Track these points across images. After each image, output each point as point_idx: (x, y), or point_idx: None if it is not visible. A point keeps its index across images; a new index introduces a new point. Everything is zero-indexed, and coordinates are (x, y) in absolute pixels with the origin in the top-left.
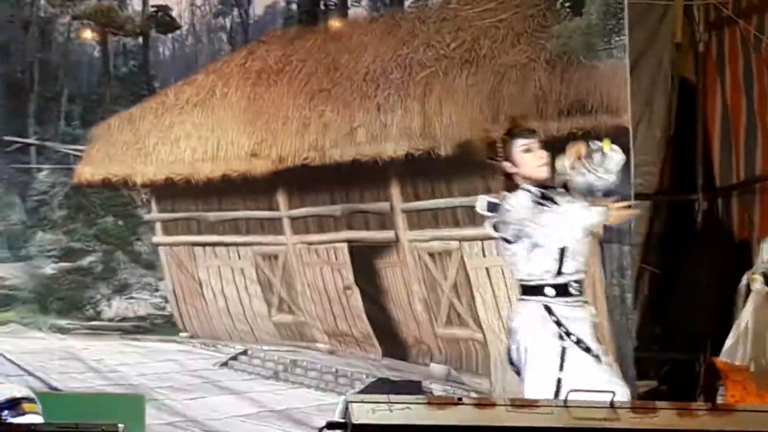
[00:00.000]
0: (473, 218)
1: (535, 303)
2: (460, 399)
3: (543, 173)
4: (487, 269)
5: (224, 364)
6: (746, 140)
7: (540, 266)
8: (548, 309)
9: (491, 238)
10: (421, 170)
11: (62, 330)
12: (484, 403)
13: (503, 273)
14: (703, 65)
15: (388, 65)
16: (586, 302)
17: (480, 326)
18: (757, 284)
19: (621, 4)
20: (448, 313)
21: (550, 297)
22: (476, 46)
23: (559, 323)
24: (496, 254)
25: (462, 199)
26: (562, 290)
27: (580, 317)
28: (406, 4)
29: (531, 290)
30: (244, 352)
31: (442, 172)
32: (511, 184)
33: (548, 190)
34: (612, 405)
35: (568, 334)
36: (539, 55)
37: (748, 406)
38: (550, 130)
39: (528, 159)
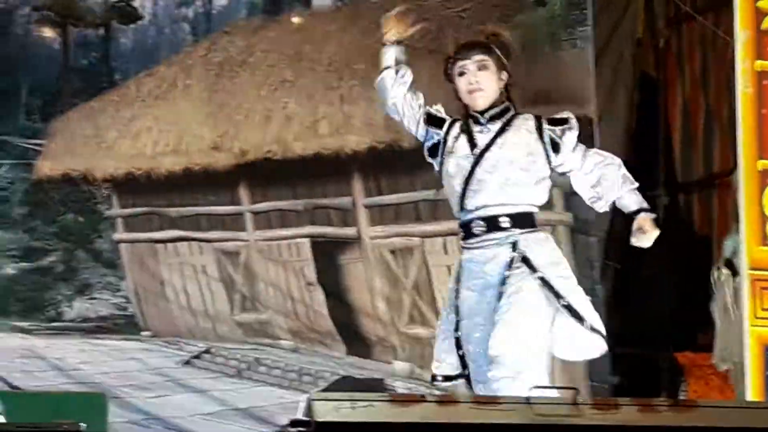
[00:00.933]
0: (435, 213)
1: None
2: (423, 396)
3: (474, 102)
4: (448, 267)
5: (187, 363)
6: (704, 137)
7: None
8: (460, 257)
9: (453, 233)
10: (383, 164)
11: (24, 331)
12: (446, 400)
13: None
14: (664, 61)
15: (351, 56)
16: (504, 241)
17: None
18: (722, 279)
19: None
20: (410, 312)
21: (462, 240)
22: (440, 35)
23: (458, 278)
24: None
25: (424, 193)
26: (466, 231)
27: (485, 262)
28: None
29: None
30: (207, 351)
31: (404, 166)
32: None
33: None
34: (574, 402)
35: (457, 292)
36: None
37: (710, 402)
38: None
39: (461, 84)
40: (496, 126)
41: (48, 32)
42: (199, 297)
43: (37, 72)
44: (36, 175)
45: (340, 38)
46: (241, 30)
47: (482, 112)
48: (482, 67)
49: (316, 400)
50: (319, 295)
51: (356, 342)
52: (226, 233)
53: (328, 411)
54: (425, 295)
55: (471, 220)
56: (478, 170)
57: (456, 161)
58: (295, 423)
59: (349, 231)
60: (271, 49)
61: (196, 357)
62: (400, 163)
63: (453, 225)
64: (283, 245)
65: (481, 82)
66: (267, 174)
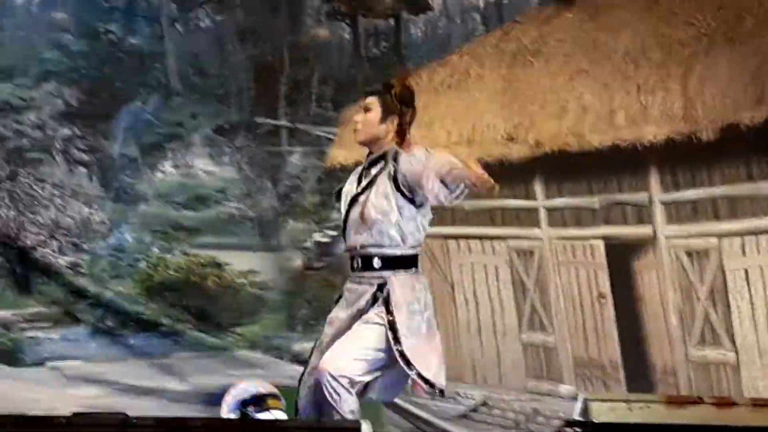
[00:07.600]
0: (735, 210)
1: None
2: (700, 398)
3: (357, 137)
4: (746, 271)
5: (464, 416)
6: None
7: None
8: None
9: (753, 233)
10: (681, 157)
11: None
12: (724, 402)
13: (763, 275)
14: None
15: (647, 44)
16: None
17: (734, 343)
18: None
19: None
20: (702, 328)
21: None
22: (738, 24)
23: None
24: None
25: (723, 188)
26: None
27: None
28: None
29: None
30: (485, 403)
31: (703, 159)
32: None
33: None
34: None
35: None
36: None
37: None
38: None
39: None
40: (376, 170)
41: (339, 23)
42: (488, 305)
43: (328, 61)
44: (329, 163)
45: (636, 26)
46: (533, 19)
47: (368, 156)
48: (366, 109)
49: (592, 401)
50: (610, 308)
51: (638, 376)
52: (521, 229)
53: (604, 412)
54: (720, 305)
55: (352, 257)
56: (352, 211)
57: (343, 198)
58: (570, 423)
59: (645, 230)
60: (564, 38)
61: (474, 410)
62: (698, 156)
63: (753, 223)
64: (578, 245)
65: (360, 122)
66: (562, 167)
